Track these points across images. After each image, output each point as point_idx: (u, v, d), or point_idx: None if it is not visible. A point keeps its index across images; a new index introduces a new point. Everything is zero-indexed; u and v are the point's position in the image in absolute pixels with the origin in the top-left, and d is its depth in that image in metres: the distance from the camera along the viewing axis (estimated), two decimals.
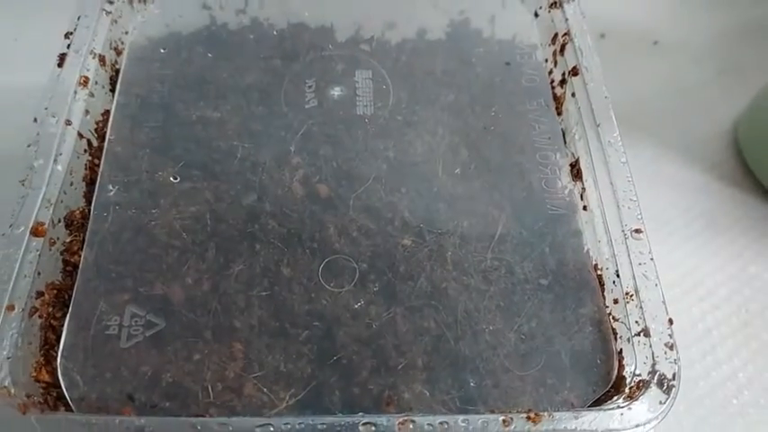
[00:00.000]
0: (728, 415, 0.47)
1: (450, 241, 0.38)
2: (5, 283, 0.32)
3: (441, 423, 0.30)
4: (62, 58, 0.41)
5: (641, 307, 0.34)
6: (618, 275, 0.36)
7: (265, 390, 0.32)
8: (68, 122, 0.38)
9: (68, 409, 0.32)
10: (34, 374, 0.32)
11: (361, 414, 0.30)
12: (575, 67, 0.43)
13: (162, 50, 0.44)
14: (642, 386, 0.32)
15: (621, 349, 0.34)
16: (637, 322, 0.34)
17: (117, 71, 0.44)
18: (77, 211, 0.37)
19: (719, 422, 0.47)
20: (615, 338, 0.35)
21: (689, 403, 0.47)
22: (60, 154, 0.37)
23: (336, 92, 0.43)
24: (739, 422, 0.46)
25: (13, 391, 0.30)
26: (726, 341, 0.50)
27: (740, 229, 0.56)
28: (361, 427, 0.30)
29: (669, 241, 0.55)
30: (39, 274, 0.34)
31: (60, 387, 0.32)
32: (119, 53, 0.44)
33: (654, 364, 0.32)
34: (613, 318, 0.35)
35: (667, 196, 0.57)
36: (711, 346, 0.50)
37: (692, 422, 0.46)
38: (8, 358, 0.31)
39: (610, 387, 0.33)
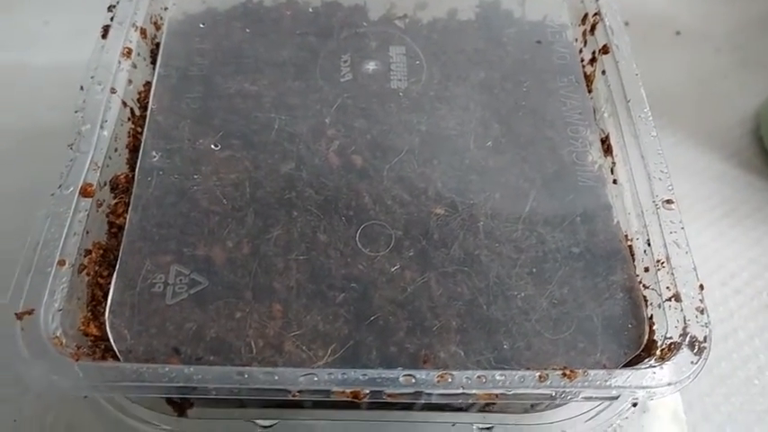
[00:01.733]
0: (750, 395, 0.47)
1: (482, 211, 0.38)
2: (56, 240, 0.33)
3: (478, 377, 0.31)
4: (106, 29, 0.42)
5: (672, 273, 0.35)
6: (649, 245, 0.36)
7: (304, 348, 0.33)
8: (113, 90, 0.39)
9: (116, 360, 0.33)
10: (83, 328, 0.33)
11: (400, 368, 0.31)
12: (605, 45, 0.44)
13: (201, 25, 0.46)
14: (674, 348, 0.33)
15: (652, 315, 0.35)
16: (668, 288, 0.34)
17: (157, 45, 0.45)
18: (122, 176, 0.38)
19: (741, 401, 0.47)
20: (646, 305, 0.35)
21: (712, 382, 0.48)
22: (106, 120, 0.38)
23: (371, 66, 0.44)
24: (760, 401, 0.47)
25: (64, 341, 0.31)
26: (747, 323, 0.51)
27: (760, 217, 0.57)
28: (401, 379, 0.30)
29: (690, 228, 0.55)
30: (87, 232, 0.35)
31: (108, 340, 0.33)
32: (158, 27, 0.45)
33: (685, 327, 0.33)
34: (644, 285, 0.36)
35: (688, 184, 0.58)
36: (733, 329, 0.51)
37: (715, 401, 0.47)
38: (59, 310, 0.32)
39: (641, 350, 0.34)
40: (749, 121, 0.61)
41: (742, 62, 0.65)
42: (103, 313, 0.33)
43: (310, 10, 0.46)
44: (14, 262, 0.33)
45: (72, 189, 0.35)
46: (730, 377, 0.49)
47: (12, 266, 0.32)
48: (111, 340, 0.33)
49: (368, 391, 0.30)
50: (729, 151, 0.61)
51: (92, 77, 0.39)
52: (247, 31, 0.45)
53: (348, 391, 0.30)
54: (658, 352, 0.33)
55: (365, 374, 0.30)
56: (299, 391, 0.30)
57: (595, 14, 0.45)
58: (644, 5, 0.68)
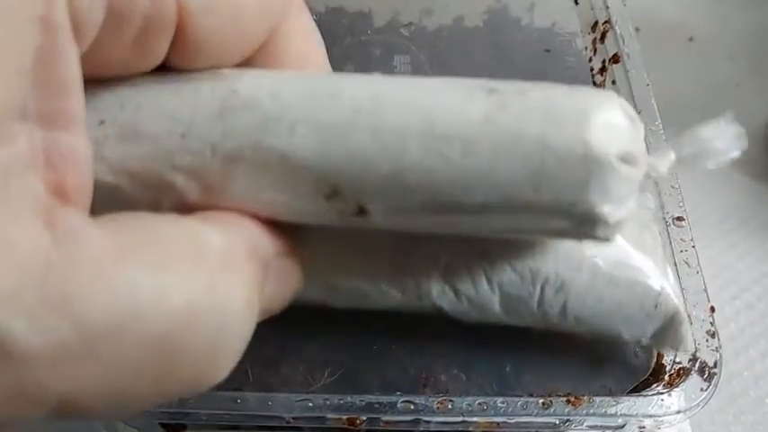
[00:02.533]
0: (762, 414, 0.46)
1: None
2: None
3: (479, 404, 0.30)
4: None
5: (682, 294, 0.33)
6: None
7: (301, 368, 0.32)
8: None
9: None
10: None
11: (398, 393, 0.30)
12: (615, 55, 0.42)
13: None
14: (683, 374, 0.32)
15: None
16: None
17: None
18: None
19: (753, 421, 0.46)
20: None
21: (722, 402, 0.46)
22: None
23: None
24: None
25: None
26: (759, 340, 0.50)
27: None
28: (399, 405, 0.29)
29: (701, 239, 0.54)
30: None
31: None
32: None
33: (695, 352, 0.32)
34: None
35: (699, 193, 0.57)
36: (745, 345, 0.49)
37: (725, 420, 0.46)
38: None
39: (648, 375, 0.33)
40: (762, 129, 0.60)
41: (756, 69, 0.64)
42: None
43: (314, 17, 0.45)
44: None
45: None
46: (741, 396, 0.47)
47: None
48: None
49: (365, 418, 0.29)
50: (742, 161, 0.59)
51: None
52: None
53: (344, 418, 0.29)
54: (666, 377, 0.32)
55: (362, 400, 0.29)
56: (293, 418, 0.29)
57: (605, 22, 0.44)
58: (656, 11, 0.66)
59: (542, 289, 0.30)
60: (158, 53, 0.22)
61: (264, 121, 0.24)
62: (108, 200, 0.23)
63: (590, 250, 0.30)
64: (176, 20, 0.21)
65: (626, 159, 0.23)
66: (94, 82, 0.24)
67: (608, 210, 0.23)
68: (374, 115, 0.24)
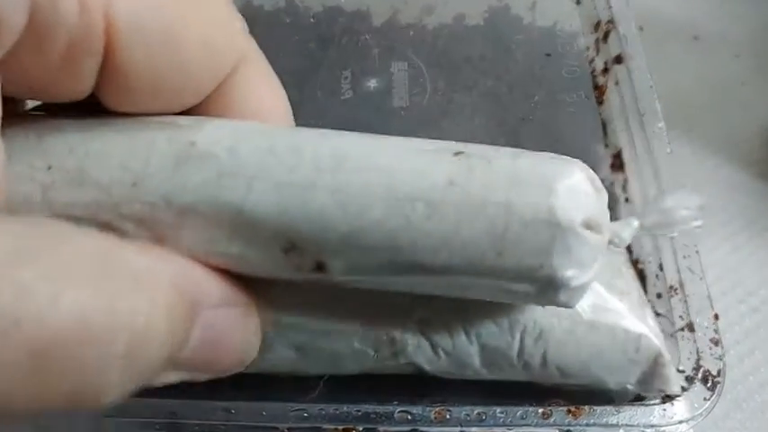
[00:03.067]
0: (767, 420, 0.45)
1: None
2: None
3: (478, 414, 0.29)
4: None
5: (686, 301, 0.33)
6: (661, 269, 0.35)
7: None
8: None
9: None
10: None
11: (396, 403, 0.30)
12: (618, 55, 0.42)
13: None
14: (686, 382, 0.31)
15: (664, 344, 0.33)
16: (681, 317, 0.33)
17: None
18: None
19: (758, 426, 0.45)
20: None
21: (727, 407, 0.46)
22: None
23: (372, 84, 0.42)
24: None
25: None
26: (765, 344, 0.49)
27: None
28: (396, 415, 0.29)
29: (707, 241, 0.53)
30: None
31: None
32: None
33: (698, 360, 0.31)
34: (656, 312, 0.34)
35: (704, 194, 0.56)
36: (750, 349, 0.49)
37: (730, 426, 0.45)
38: None
39: None
40: None
41: (761, 68, 0.63)
42: None
43: (311, 17, 0.45)
44: None
45: None
46: (746, 401, 0.47)
47: None
48: None
49: (361, 429, 0.29)
50: (748, 161, 0.58)
51: None
52: None
53: (340, 428, 0.29)
54: None
55: (358, 410, 0.29)
56: (288, 428, 0.29)
57: (608, 22, 0.43)
58: (660, 10, 0.65)
59: (522, 338, 0.29)
60: (87, 77, 0.21)
61: (221, 176, 0.23)
62: None
63: None
64: (104, 39, 0.20)
65: (589, 226, 0.24)
66: (46, 125, 0.24)
67: (571, 274, 0.23)
68: (336, 174, 0.23)
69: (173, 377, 0.22)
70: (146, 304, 0.19)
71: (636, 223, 0.27)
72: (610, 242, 0.25)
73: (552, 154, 0.25)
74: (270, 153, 0.24)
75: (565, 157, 0.25)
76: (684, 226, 0.27)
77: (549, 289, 0.24)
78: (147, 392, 0.30)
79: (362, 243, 0.23)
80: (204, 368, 0.22)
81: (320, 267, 0.24)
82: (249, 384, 0.31)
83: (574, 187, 0.23)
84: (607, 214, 0.25)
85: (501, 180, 0.23)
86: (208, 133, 0.24)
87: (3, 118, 0.19)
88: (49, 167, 0.24)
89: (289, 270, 0.24)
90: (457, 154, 0.24)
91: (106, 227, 0.23)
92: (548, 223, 0.23)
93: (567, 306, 0.25)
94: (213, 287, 0.22)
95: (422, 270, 0.24)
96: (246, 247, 0.24)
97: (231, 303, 0.23)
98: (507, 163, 0.24)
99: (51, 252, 0.18)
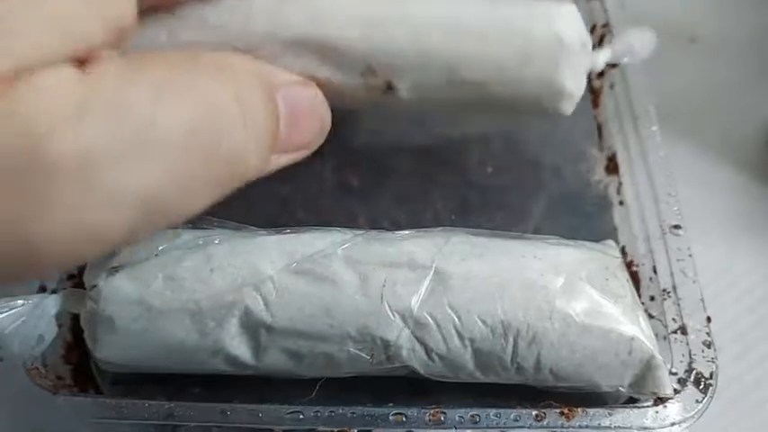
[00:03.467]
0: (762, 420, 0.46)
1: None
2: None
3: (472, 416, 0.29)
4: None
5: (679, 304, 0.33)
6: (655, 272, 0.35)
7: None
8: None
9: (98, 391, 0.32)
10: (64, 355, 0.32)
11: (391, 405, 0.30)
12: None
13: None
14: (679, 384, 0.31)
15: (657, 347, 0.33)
16: (674, 320, 0.33)
17: None
18: None
19: (752, 426, 0.45)
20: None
21: (721, 406, 0.46)
22: None
23: None
24: None
25: (43, 371, 0.30)
26: (759, 344, 0.49)
27: None
28: (391, 417, 0.29)
29: (703, 241, 0.53)
30: None
31: (91, 369, 0.32)
32: None
33: (691, 363, 0.32)
34: (649, 315, 0.34)
35: (702, 196, 0.56)
36: (745, 348, 0.49)
37: (725, 425, 0.45)
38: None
39: None
40: (766, 132, 0.59)
41: (759, 70, 0.63)
42: (86, 342, 0.32)
43: None
44: None
45: None
46: (741, 400, 0.47)
47: None
48: (94, 371, 0.32)
49: (356, 431, 0.29)
50: (745, 163, 0.58)
51: None
52: None
53: (335, 430, 0.29)
54: None
55: (353, 412, 0.29)
56: (284, 431, 0.29)
57: (604, 25, 0.44)
58: (658, 11, 0.65)
59: (515, 342, 0.30)
60: None
61: (315, 15, 0.31)
62: None
63: (560, 301, 0.30)
64: None
65: (583, 45, 0.33)
66: None
67: (571, 84, 0.33)
68: (404, 6, 0.31)
69: (283, 160, 0.25)
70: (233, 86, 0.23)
71: (608, 52, 0.36)
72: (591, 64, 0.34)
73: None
74: None
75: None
76: (643, 55, 0.36)
77: (555, 94, 0.33)
78: (145, 394, 0.31)
79: (423, 63, 0.31)
80: (297, 141, 0.26)
81: (389, 87, 0.32)
82: (246, 386, 0.32)
83: (573, 16, 0.33)
84: (590, 39, 0.34)
85: (521, 11, 0.32)
86: None
87: None
88: (173, 13, 0.30)
89: (364, 90, 0.32)
90: None
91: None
92: (558, 43, 0.32)
93: (565, 112, 0.34)
94: (284, 73, 0.26)
95: (468, 85, 0.32)
96: (333, 71, 0.31)
97: (302, 83, 0.27)
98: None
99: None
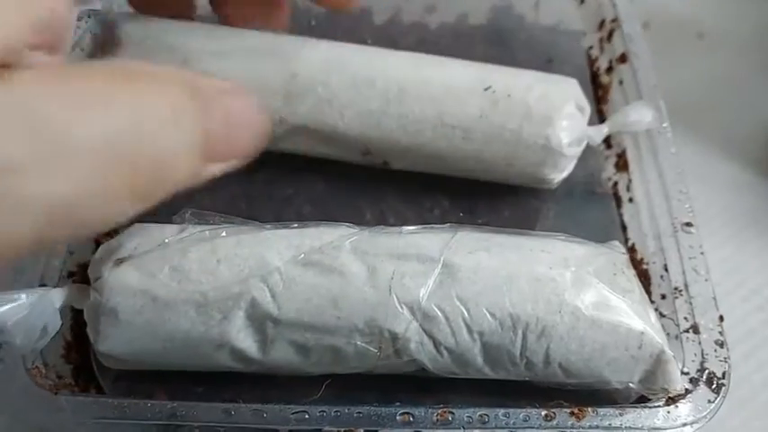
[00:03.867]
0: None
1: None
2: (38, 263, 0.32)
3: (480, 416, 0.29)
4: None
5: (691, 303, 0.33)
6: (666, 270, 0.34)
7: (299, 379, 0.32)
8: None
9: (99, 390, 0.31)
10: (64, 355, 0.32)
11: (398, 404, 0.29)
12: (623, 54, 0.41)
13: None
14: (691, 384, 0.31)
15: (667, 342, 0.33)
16: (686, 318, 0.32)
17: None
18: None
19: (762, 426, 0.45)
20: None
21: (731, 406, 0.45)
22: None
23: None
24: None
25: (44, 371, 0.30)
26: None
27: None
28: (398, 417, 0.29)
29: (710, 240, 0.53)
30: (71, 253, 0.33)
31: (92, 369, 0.31)
32: None
33: (703, 362, 0.31)
34: (660, 314, 0.34)
35: (709, 193, 0.55)
36: (754, 348, 0.48)
37: (735, 425, 0.44)
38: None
39: None
40: None
41: (766, 66, 0.63)
42: (87, 339, 0.32)
43: (313, 23, 0.45)
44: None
45: None
46: (750, 400, 0.46)
47: None
48: (96, 369, 0.31)
49: (362, 431, 0.28)
50: (752, 159, 0.58)
51: None
52: None
53: (342, 430, 0.28)
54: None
55: (360, 412, 0.29)
56: (290, 431, 0.28)
57: (613, 21, 0.43)
58: (665, 7, 0.65)
59: (524, 335, 0.29)
60: None
61: (320, 105, 0.35)
62: None
63: (569, 294, 0.30)
64: None
65: (571, 144, 0.36)
66: (191, 58, 0.34)
67: (553, 176, 0.36)
68: (400, 105, 0.35)
69: (216, 168, 0.25)
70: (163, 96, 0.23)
71: (605, 130, 0.37)
72: (588, 138, 0.36)
73: (556, 78, 0.37)
74: (353, 86, 0.35)
75: (565, 82, 0.37)
76: (640, 129, 0.38)
77: (539, 182, 0.36)
78: (147, 393, 0.30)
79: (416, 153, 0.36)
80: (230, 149, 0.25)
81: (386, 163, 0.37)
82: (250, 386, 0.31)
83: (567, 117, 0.35)
84: (585, 128, 0.36)
85: (516, 113, 0.35)
86: (304, 64, 0.35)
87: None
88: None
89: (364, 162, 0.37)
90: (486, 89, 0.35)
91: None
92: (544, 147, 0.35)
93: (549, 187, 0.37)
94: (215, 81, 0.25)
95: (455, 169, 0.37)
96: (336, 150, 0.36)
97: (234, 92, 0.26)
98: (522, 97, 0.35)
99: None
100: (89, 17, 0.39)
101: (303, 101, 0.35)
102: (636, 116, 0.37)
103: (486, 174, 0.37)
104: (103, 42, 0.37)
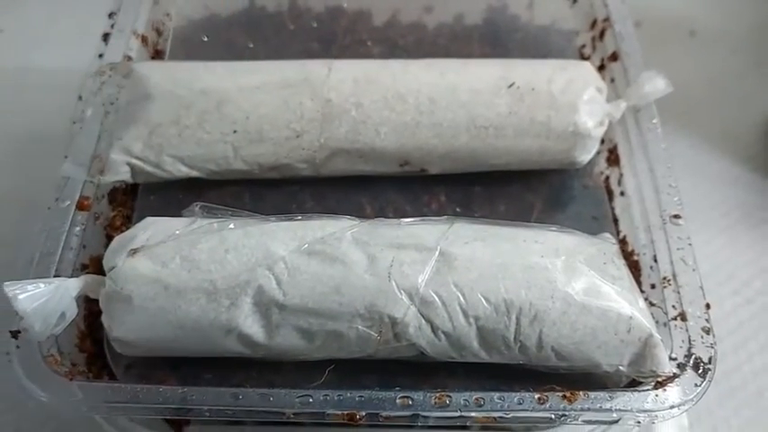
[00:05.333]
0: (761, 408, 0.46)
1: None
2: (52, 255, 0.33)
3: (476, 399, 0.30)
4: (106, 37, 0.41)
5: (678, 292, 0.34)
6: (655, 260, 0.35)
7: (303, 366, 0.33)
8: (112, 102, 0.39)
9: (112, 378, 0.32)
10: (78, 344, 0.33)
11: (397, 388, 0.31)
12: (614, 53, 0.43)
13: (204, 39, 0.45)
14: (678, 368, 0.32)
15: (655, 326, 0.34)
16: (674, 307, 0.34)
17: (157, 51, 0.44)
18: (121, 188, 0.38)
19: (751, 415, 0.46)
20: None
21: (720, 396, 0.46)
22: (105, 131, 0.38)
23: None
24: None
25: (60, 359, 0.31)
26: (758, 334, 0.50)
27: None
28: (398, 401, 0.30)
29: (703, 233, 0.54)
30: (84, 247, 0.35)
31: (105, 357, 0.33)
32: (160, 33, 0.45)
33: (690, 348, 0.32)
34: (650, 302, 0.35)
35: (701, 188, 0.57)
36: (744, 339, 0.49)
37: (724, 415, 0.46)
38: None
39: None
40: (765, 125, 0.60)
41: (759, 63, 0.64)
42: (100, 329, 0.33)
43: (315, 25, 0.46)
44: (10, 266, 0.33)
45: (69, 203, 0.35)
46: (740, 390, 0.47)
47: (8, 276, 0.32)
48: (108, 357, 0.33)
49: (364, 414, 0.30)
50: (745, 155, 0.59)
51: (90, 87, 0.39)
52: (250, 45, 0.45)
53: (344, 413, 0.30)
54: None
55: (361, 396, 0.30)
56: (294, 413, 0.30)
57: (605, 20, 0.44)
58: (658, 5, 0.66)
59: (517, 320, 0.31)
60: None
61: (356, 127, 0.37)
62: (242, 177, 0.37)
63: (560, 281, 0.31)
64: None
65: (596, 125, 0.38)
66: (220, 97, 0.36)
67: (583, 158, 0.38)
68: (433, 115, 0.37)
69: None
70: None
71: (623, 104, 0.39)
72: (609, 116, 0.39)
73: (571, 63, 0.39)
74: (385, 105, 0.37)
75: (581, 67, 0.39)
76: (654, 98, 0.39)
77: (570, 164, 0.39)
78: (158, 380, 0.31)
79: (452, 157, 0.38)
80: None
81: (423, 170, 0.39)
82: (256, 372, 0.32)
83: (589, 101, 0.38)
84: (605, 107, 0.38)
85: (543, 105, 0.37)
86: (336, 87, 0.37)
87: None
88: (235, 131, 0.36)
89: (401, 173, 0.39)
90: (510, 86, 0.38)
91: (281, 165, 0.37)
92: (573, 133, 0.37)
93: (579, 167, 0.39)
94: None
95: (490, 165, 0.38)
96: (375, 166, 0.38)
97: None
98: (545, 89, 0.38)
99: None
100: (111, 70, 0.39)
101: (340, 124, 0.37)
102: (650, 87, 0.39)
103: (520, 165, 0.39)
104: (133, 95, 0.38)
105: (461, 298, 0.30)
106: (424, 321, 0.31)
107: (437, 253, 0.31)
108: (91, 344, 0.33)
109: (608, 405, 0.30)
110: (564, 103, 0.37)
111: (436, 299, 0.30)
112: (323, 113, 0.37)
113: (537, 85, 0.38)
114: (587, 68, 0.39)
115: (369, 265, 0.31)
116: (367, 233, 0.32)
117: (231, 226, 0.32)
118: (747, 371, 0.48)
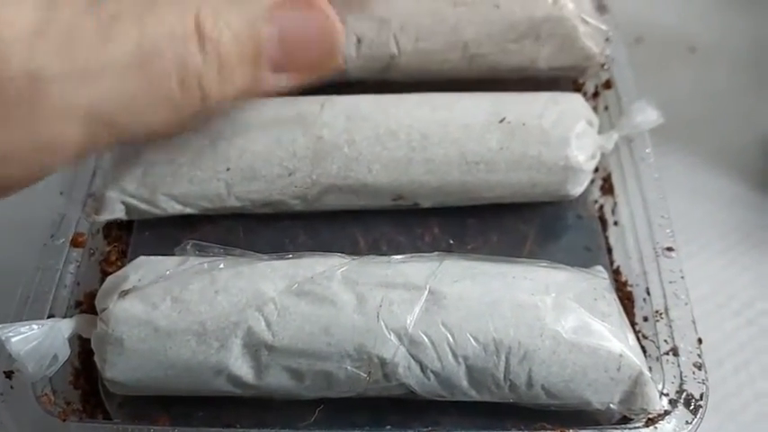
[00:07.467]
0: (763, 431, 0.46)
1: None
2: (47, 294, 0.34)
3: None
4: None
5: (671, 326, 0.34)
6: (648, 293, 0.36)
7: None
8: None
9: (106, 415, 0.33)
10: (73, 381, 0.33)
11: (389, 427, 0.31)
12: (608, 81, 0.43)
13: None
14: (669, 405, 0.32)
15: (650, 368, 0.34)
16: (666, 341, 0.34)
17: None
18: (115, 223, 0.38)
19: None
20: (644, 356, 0.35)
21: (721, 420, 0.46)
22: (100, 167, 0.38)
23: None
24: None
25: (53, 398, 0.31)
26: (760, 356, 0.49)
27: None
28: None
29: (703, 254, 0.54)
30: (78, 284, 0.35)
31: (99, 394, 0.33)
32: None
33: (681, 384, 0.32)
34: (642, 335, 0.35)
35: (701, 207, 0.56)
36: (745, 362, 0.49)
37: None
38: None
39: None
40: (766, 141, 0.59)
41: (759, 80, 0.63)
42: (94, 367, 0.33)
43: None
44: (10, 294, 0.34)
45: (63, 240, 0.35)
46: (741, 414, 0.47)
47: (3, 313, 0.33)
48: (102, 395, 0.33)
49: None
50: (744, 173, 0.58)
51: None
52: None
53: None
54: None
55: None
56: None
57: (606, 40, 0.44)
58: (657, 21, 0.66)
59: (507, 359, 0.31)
60: None
61: (348, 164, 0.37)
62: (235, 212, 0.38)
63: (550, 319, 0.31)
64: None
65: (587, 158, 0.38)
66: (220, 137, 0.36)
67: (576, 190, 0.38)
68: (424, 151, 0.37)
69: (284, 80, 0.27)
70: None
71: (615, 135, 0.39)
72: (601, 149, 0.39)
73: (561, 97, 0.39)
74: (377, 141, 0.37)
75: (572, 100, 0.39)
76: (646, 128, 0.40)
77: (561, 197, 0.39)
78: (151, 418, 0.32)
79: (445, 191, 0.38)
80: (297, 61, 0.27)
81: (416, 204, 0.39)
82: (248, 410, 0.33)
83: (581, 135, 0.38)
84: (596, 140, 0.39)
85: (534, 139, 0.37)
86: (328, 123, 0.37)
87: None
88: (228, 169, 0.37)
89: (394, 206, 0.39)
90: (501, 121, 0.38)
91: (273, 200, 0.37)
92: (564, 167, 0.37)
93: (571, 199, 0.39)
94: None
95: (482, 198, 0.38)
96: (368, 200, 0.38)
97: (303, 5, 0.27)
98: (536, 123, 0.37)
99: None
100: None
101: (332, 162, 0.37)
102: (641, 117, 0.39)
103: (512, 197, 0.39)
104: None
105: (450, 338, 0.31)
106: (413, 361, 0.31)
107: (426, 292, 0.31)
108: (85, 381, 0.34)
109: None
110: (555, 137, 0.37)
111: (425, 339, 0.31)
112: (314, 150, 0.37)
113: (528, 120, 0.37)
114: (578, 101, 0.39)
115: (358, 305, 0.31)
116: (356, 272, 0.32)
117: (221, 266, 0.32)
118: (748, 394, 0.48)
